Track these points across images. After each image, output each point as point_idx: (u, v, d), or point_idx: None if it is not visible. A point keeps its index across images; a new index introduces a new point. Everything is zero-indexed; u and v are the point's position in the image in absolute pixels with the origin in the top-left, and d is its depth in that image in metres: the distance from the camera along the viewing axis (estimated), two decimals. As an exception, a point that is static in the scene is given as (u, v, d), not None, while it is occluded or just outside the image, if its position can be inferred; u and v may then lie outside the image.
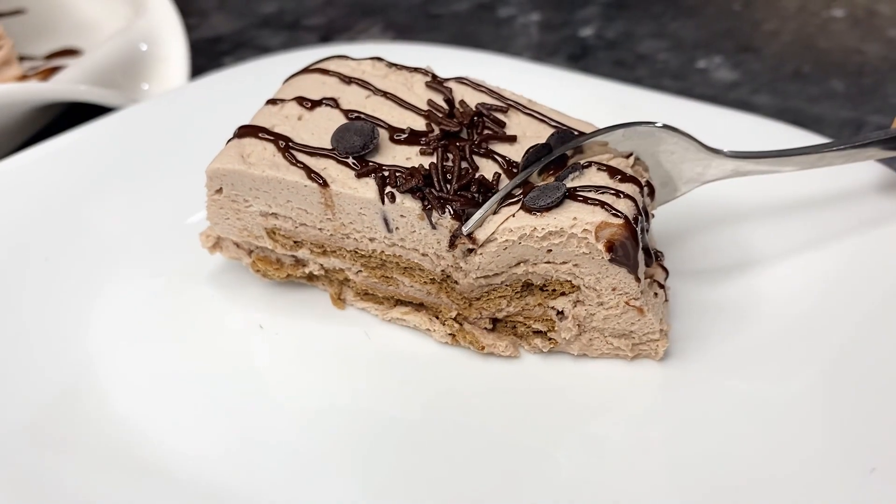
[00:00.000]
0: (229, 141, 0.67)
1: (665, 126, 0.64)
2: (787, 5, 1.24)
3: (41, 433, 0.60)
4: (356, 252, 0.67)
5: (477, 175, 0.62)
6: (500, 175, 0.62)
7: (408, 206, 0.61)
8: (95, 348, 0.66)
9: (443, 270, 0.64)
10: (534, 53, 1.15)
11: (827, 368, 0.63)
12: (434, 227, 0.61)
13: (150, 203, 0.78)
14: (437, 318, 0.67)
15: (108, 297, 0.70)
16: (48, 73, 0.99)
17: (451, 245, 0.61)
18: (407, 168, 0.62)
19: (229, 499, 0.57)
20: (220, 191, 0.67)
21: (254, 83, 0.83)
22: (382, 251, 0.65)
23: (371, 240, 0.65)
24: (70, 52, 1.06)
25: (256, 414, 0.62)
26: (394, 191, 0.61)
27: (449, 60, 0.82)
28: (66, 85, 0.88)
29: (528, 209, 0.60)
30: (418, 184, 0.61)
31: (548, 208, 0.59)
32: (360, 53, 0.76)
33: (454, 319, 0.66)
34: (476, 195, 0.61)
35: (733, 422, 0.60)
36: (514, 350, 0.66)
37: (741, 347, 0.65)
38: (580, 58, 1.13)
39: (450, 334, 0.66)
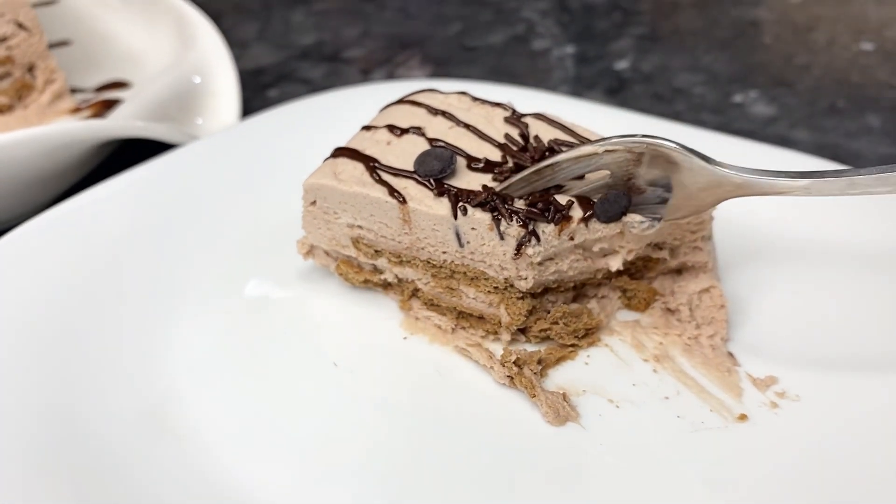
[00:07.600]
0: (326, 160, 0.79)
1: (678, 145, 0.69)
2: (816, 38, 1.34)
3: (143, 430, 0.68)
4: (429, 262, 0.77)
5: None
6: (572, 202, 0.71)
7: (478, 217, 0.71)
8: (180, 368, 0.75)
9: (506, 279, 0.73)
10: (571, 87, 1.24)
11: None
12: (502, 238, 0.70)
13: (236, 221, 0.90)
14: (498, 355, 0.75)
15: (186, 327, 0.79)
16: (100, 106, 1.07)
17: (517, 253, 0.70)
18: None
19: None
20: (314, 203, 0.79)
21: (314, 117, 0.96)
22: (453, 261, 0.75)
23: (444, 252, 0.75)
24: (119, 85, 1.14)
25: (325, 440, 0.70)
26: (466, 205, 0.71)
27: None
28: (126, 121, 0.96)
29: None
30: (488, 198, 0.70)
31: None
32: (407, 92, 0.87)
33: (514, 363, 0.73)
34: (545, 212, 0.70)
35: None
36: (553, 418, 0.71)
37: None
38: (618, 91, 1.23)
39: (508, 376, 0.74)
